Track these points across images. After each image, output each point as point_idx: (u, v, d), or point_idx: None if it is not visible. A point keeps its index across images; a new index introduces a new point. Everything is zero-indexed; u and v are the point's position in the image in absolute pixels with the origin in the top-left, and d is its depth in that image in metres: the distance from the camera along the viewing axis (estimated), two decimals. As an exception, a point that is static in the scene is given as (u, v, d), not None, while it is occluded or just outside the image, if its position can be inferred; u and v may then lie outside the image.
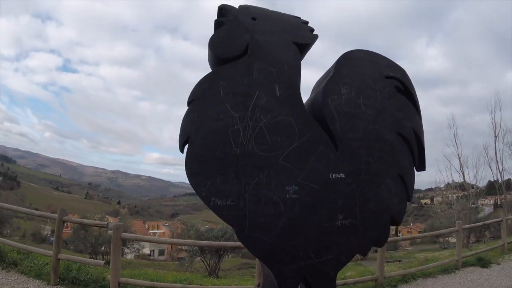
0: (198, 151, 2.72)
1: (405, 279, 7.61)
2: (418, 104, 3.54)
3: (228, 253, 24.95)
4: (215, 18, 3.04)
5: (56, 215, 6.08)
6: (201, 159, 2.70)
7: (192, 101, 2.79)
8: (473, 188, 29.16)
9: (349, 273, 7.99)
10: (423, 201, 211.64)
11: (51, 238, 51.44)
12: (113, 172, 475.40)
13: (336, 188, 2.98)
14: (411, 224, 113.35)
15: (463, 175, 27.61)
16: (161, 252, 49.58)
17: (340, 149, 3.06)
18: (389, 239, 7.96)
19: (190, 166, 2.70)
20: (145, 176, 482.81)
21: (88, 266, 6.72)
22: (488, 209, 58.81)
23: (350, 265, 10.42)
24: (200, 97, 2.79)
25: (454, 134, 27.66)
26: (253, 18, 3.05)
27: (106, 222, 6.09)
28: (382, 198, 3.18)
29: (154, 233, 52.84)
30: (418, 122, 3.51)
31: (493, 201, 64.67)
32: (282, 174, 2.81)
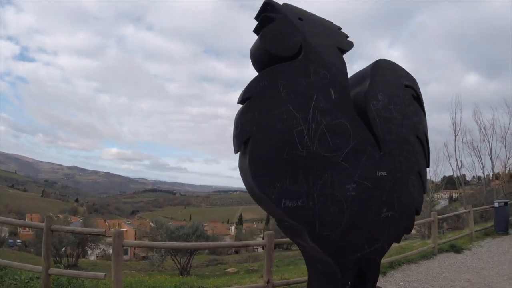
0: (263, 152, 2.69)
1: (392, 265, 8.21)
2: (425, 110, 4.04)
3: (198, 251, 24.84)
4: (259, 11, 2.96)
5: (42, 224, 5.24)
6: (267, 160, 2.68)
7: (248, 98, 2.73)
8: (433, 183, 30.66)
9: None
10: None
11: (10, 241, 48.86)
12: (70, 168, 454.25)
13: (381, 184, 3.29)
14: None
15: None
16: (125, 251, 48.28)
17: (382, 149, 3.36)
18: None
19: (255, 168, 2.65)
20: (103, 172, 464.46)
21: (82, 280, 5.86)
22: (443, 203, 61.83)
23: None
24: (259, 94, 2.74)
25: None
26: (300, 19, 3.09)
27: (103, 230, 5.58)
28: (410, 192, 3.62)
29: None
30: (426, 126, 4.02)
31: (447, 195, 68.03)
32: (342, 174, 2.98)
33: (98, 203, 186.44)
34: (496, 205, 13.25)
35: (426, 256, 9.34)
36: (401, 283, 7.20)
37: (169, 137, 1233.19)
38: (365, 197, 3.12)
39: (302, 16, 3.13)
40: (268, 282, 5.58)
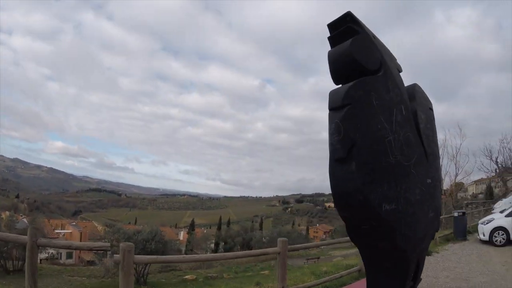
0: (368, 159, 2.89)
1: None
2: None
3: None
4: (341, 22, 3.11)
5: (25, 237, 4.19)
6: (373, 167, 2.90)
7: (348, 105, 2.86)
8: None
9: (324, 269, 8.61)
10: (326, 204, 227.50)
11: None
12: (12, 160, 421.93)
13: (428, 190, 3.70)
14: (317, 224, 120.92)
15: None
16: (69, 255, 45.72)
17: (428, 160, 3.82)
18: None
19: (363, 174, 2.83)
20: (46, 167, 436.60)
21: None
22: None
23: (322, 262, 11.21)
24: (357, 103, 2.91)
25: None
26: (373, 37, 3.34)
27: (108, 244, 4.64)
28: (439, 197, 4.26)
29: (59, 233, 48.37)
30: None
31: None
32: (413, 180, 3.29)
33: (40, 201, 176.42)
34: (456, 214, 14.92)
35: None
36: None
37: (117, 134, 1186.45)
38: (422, 199, 3.50)
39: (372, 35, 3.36)
40: None
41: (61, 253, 41.18)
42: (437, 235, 13.82)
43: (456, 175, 28.23)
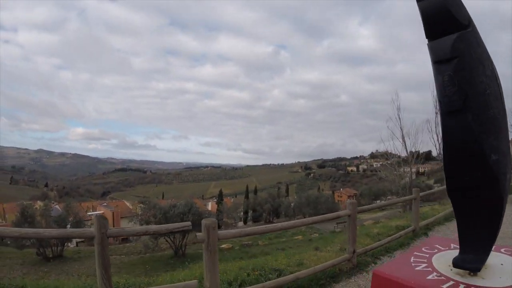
0: (478, 110, 2.85)
1: (428, 227, 9.04)
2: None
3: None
4: None
5: (91, 231, 3.71)
6: (481, 118, 2.86)
7: (456, 57, 2.85)
8: (413, 157, 31.92)
9: (376, 230, 8.51)
10: (349, 168, 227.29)
11: None
12: (36, 151, 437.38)
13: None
14: (341, 189, 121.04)
15: (405, 145, 30.04)
16: (102, 234, 47.29)
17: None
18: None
19: (478, 125, 2.85)
20: (70, 154, 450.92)
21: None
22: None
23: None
24: (463, 55, 2.86)
25: (397, 108, 29.72)
26: None
27: (188, 224, 3.93)
28: None
29: (91, 216, 49.86)
30: None
31: (415, 169, 71.66)
32: (503, 133, 3.17)
33: (68, 186, 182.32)
34: None
35: (448, 218, 10.31)
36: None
37: (135, 113, 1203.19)
38: (508, 153, 3.30)
39: None
40: (354, 252, 5.53)
41: (96, 233, 42.64)
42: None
43: None
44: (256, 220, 55.81)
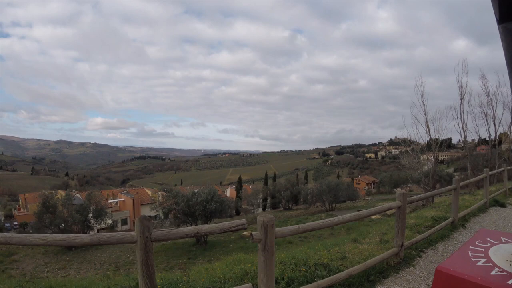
0: None
1: (465, 218, 8.75)
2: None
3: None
4: None
5: (133, 234, 3.10)
6: None
7: None
8: (436, 144, 31.28)
9: (413, 221, 8.26)
10: (367, 155, 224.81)
11: (6, 224, 47.80)
12: (56, 142, 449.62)
13: None
14: (359, 176, 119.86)
15: (429, 132, 29.37)
16: (124, 222, 48.11)
17: None
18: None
19: None
20: (90, 143, 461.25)
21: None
22: (429, 164, 64.09)
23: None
24: None
25: (421, 93, 29.04)
26: None
27: (243, 222, 3.41)
28: None
29: (111, 203, 50.67)
30: None
31: (432, 157, 70.50)
32: None
33: (89, 175, 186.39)
34: None
35: (482, 209, 10.01)
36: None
37: (153, 102, 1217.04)
38: None
39: None
40: (402, 245, 5.34)
41: (116, 220, 43.29)
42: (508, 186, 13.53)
43: (511, 123, 26.15)
44: (275, 207, 55.80)
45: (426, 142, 33.50)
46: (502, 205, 10.77)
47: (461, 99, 26.70)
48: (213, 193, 23.45)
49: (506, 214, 9.70)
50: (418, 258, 5.63)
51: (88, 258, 21.00)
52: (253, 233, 3.45)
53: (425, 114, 29.40)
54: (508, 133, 27.62)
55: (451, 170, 71.04)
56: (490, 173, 11.00)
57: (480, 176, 10.73)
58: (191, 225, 23.12)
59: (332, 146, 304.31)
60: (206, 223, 23.24)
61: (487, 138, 30.81)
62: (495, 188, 14.38)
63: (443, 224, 7.13)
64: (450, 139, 33.50)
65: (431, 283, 4.64)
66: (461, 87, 26.50)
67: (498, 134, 27.21)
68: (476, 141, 31.61)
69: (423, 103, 29.32)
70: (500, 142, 29.07)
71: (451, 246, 6.47)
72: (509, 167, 15.76)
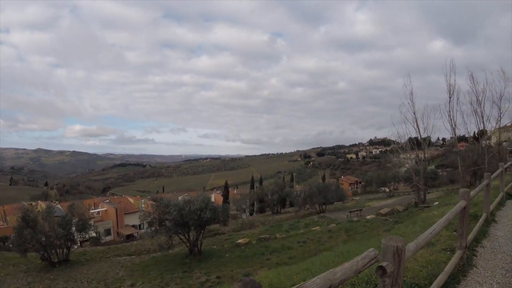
0: None
1: (493, 212, 8.45)
2: None
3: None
4: None
5: None
6: None
7: None
8: (428, 144, 31.87)
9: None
10: (348, 156, 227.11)
11: None
12: (35, 151, 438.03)
13: None
14: (342, 177, 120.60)
15: (418, 129, 29.78)
16: (107, 232, 46.51)
17: None
18: None
19: None
20: (69, 151, 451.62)
21: None
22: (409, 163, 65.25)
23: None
24: None
25: (410, 92, 29.48)
26: None
27: (375, 254, 2.55)
28: None
29: (93, 213, 48.94)
30: None
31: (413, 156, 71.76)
32: None
33: (68, 184, 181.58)
34: None
35: (501, 203, 9.76)
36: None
37: (133, 108, 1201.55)
38: None
39: None
40: (466, 247, 4.99)
41: (99, 232, 41.65)
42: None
43: (500, 120, 26.62)
44: (262, 211, 55.24)
45: (412, 139, 33.89)
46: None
47: (449, 97, 27.00)
48: (207, 201, 22.59)
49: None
50: (475, 258, 5.31)
51: (74, 276, 19.69)
52: (384, 265, 2.47)
53: (414, 112, 29.73)
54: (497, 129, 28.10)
55: (432, 167, 72.19)
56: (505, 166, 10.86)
57: (499, 170, 10.48)
58: (184, 236, 22.33)
59: (313, 148, 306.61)
60: (200, 233, 22.39)
61: (476, 135, 31.40)
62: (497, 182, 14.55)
63: (481, 220, 6.78)
64: (429, 137, 33.95)
65: (501, 281, 4.44)
66: (450, 85, 26.85)
67: (489, 130, 27.61)
68: (456, 138, 32.01)
69: (412, 102, 29.68)
70: (489, 138, 29.55)
71: (495, 242, 6.22)
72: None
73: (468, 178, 26.74)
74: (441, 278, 3.88)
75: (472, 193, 5.71)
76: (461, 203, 4.66)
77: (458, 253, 4.69)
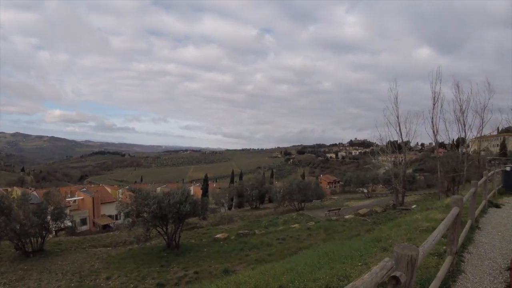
0: None
1: (477, 219, 8.59)
2: None
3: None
4: None
5: None
6: None
7: None
8: (410, 148, 32.53)
9: (426, 224, 7.99)
10: (328, 155, 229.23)
11: None
12: (13, 135, 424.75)
13: None
14: (320, 175, 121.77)
15: (401, 133, 30.35)
16: (83, 222, 45.56)
17: None
18: None
19: None
20: (47, 137, 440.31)
21: None
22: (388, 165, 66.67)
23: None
24: None
25: (395, 97, 30.04)
26: None
27: (391, 265, 2.40)
28: None
29: (69, 201, 47.75)
30: None
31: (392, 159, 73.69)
32: None
33: (45, 171, 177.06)
34: (508, 169, 14.96)
35: (483, 211, 10.00)
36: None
37: (114, 95, 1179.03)
38: None
39: None
40: (456, 253, 4.99)
41: (75, 221, 40.66)
42: (496, 188, 13.87)
43: (482, 129, 27.35)
44: (241, 206, 55.15)
45: (393, 142, 34.52)
46: (497, 206, 10.99)
47: (433, 104, 27.52)
48: (187, 194, 22.23)
49: (505, 214, 9.87)
50: (462, 264, 5.37)
51: (48, 267, 19.09)
52: (398, 275, 2.34)
53: (397, 116, 30.21)
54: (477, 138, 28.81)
55: (410, 171, 73.59)
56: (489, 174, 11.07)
57: (483, 179, 10.78)
58: (162, 229, 21.92)
59: (294, 146, 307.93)
60: (179, 226, 22.07)
61: (455, 142, 32.21)
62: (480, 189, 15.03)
63: (467, 227, 6.84)
64: (408, 141, 34.79)
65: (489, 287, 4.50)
66: (435, 92, 27.37)
67: (468, 139, 28.32)
68: (437, 144, 32.79)
69: (396, 106, 30.16)
70: (467, 146, 30.30)
71: (481, 248, 6.33)
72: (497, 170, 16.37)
73: (446, 184, 27.36)
74: (434, 285, 3.83)
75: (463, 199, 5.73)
76: (454, 210, 4.64)
77: (448, 259, 4.67)
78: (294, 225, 26.33)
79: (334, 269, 5.55)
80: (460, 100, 27.00)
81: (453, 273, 4.77)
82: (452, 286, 4.45)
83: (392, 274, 2.34)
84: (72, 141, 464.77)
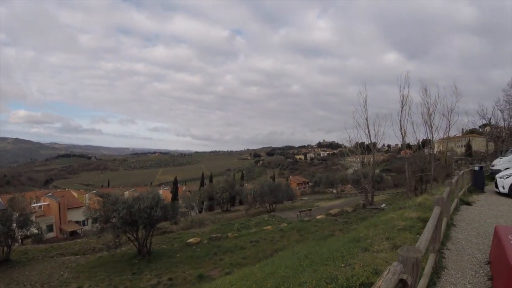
0: None
1: (451, 217, 8.88)
2: None
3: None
4: None
5: None
6: None
7: None
8: (375, 147, 33.39)
9: (403, 223, 8.10)
10: (297, 157, 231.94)
11: None
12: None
13: None
14: (290, 177, 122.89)
15: (369, 134, 31.12)
16: (50, 228, 43.64)
17: None
18: None
19: None
20: (11, 138, 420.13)
21: None
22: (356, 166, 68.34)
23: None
24: None
25: (364, 100, 30.80)
26: None
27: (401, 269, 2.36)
28: None
29: (35, 207, 45.69)
30: None
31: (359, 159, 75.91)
32: None
33: (9, 175, 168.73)
34: (476, 168, 15.40)
35: (456, 209, 10.30)
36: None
37: (81, 95, 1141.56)
38: None
39: None
40: (438, 250, 5.23)
41: (41, 228, 38.96)
42: (466, 186, 14.31)
43: (449, 131, 28.47)
44: (211, 209, 54.73)
45: (361, 144, 35.35)
46: (468, 203, 11.37)
47: (402, 107, 28.29)
48: (158, 198, 21.67)
49: (477, 211, 10.17)
50: (444, 260, 5.51)
51: (16, 278, 18.11)
52: (404, 277, 2.33)
53: (366, 119, 30.94)
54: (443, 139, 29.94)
55: (378, 171, 75.43)
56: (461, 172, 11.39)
57: (455, 178, 11.04)
58: (132, 235, 21.20)
59: (263, 147, 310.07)
60: (149, 232, 21.47)
61: (420, 143, 33.36)
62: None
63: (444, 224, 7.01)
64: (375, 143, 35.74)
65: (473, 281, 4.68)
66: (403, 96, 28.14)
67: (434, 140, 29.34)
68: (405, 145, 33.79)
69: (365, 108, 30.91)
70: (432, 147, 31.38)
71: (459, 245, 6.51)
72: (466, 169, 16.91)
73: (413, 183, 28.22)
74: (423, 282, 3.87)
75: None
76: (436, 209, 4.72)
77: (432, 256, 4.76)
78: (266, 227, 26.32)
79: (318, 271, 5.51)
80: (427, 103, 27.86)
81: (437, 270, 4.89)
82: (438, 282, 4.56)
83: (400, 278, 2.30)
84: (37, 143, 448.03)
